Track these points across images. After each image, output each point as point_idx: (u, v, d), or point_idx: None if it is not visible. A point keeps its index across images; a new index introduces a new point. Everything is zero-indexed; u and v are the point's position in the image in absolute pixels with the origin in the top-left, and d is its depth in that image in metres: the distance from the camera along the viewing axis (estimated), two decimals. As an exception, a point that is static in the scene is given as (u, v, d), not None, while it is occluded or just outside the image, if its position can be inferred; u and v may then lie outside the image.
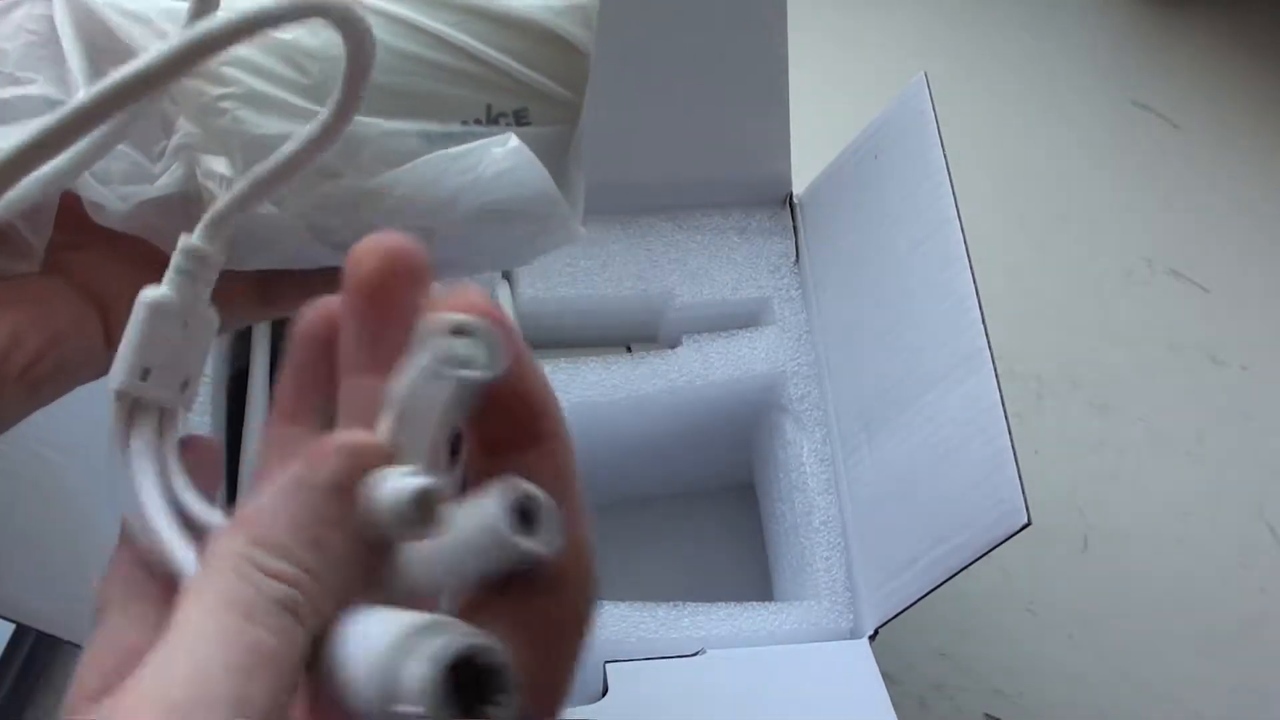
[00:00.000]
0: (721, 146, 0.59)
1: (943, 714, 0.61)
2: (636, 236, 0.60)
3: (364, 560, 0.20)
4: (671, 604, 0.52)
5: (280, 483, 0.20)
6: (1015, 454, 0.45)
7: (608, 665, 0.49)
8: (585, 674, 0.50)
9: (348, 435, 0.21)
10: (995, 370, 0.47)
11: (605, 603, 0.51)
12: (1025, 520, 0.43)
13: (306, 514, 0.20)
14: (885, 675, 0.48)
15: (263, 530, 0.20)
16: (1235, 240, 0.77)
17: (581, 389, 0.56)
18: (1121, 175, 0.79)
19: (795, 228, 0.60)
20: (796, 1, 0.57)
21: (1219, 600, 0.64)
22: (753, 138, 0.59)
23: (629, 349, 0.60)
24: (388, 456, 0.21)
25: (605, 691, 0.48)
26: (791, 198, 0.61)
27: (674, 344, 0.58)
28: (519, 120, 0.29)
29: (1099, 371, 0.71)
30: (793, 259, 0.60)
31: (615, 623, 0.51)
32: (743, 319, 0.59)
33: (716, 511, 0.64)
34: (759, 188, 0.61)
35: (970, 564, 0.45)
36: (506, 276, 0.59)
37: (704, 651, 0.50)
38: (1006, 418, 0.46)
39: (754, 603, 0.52)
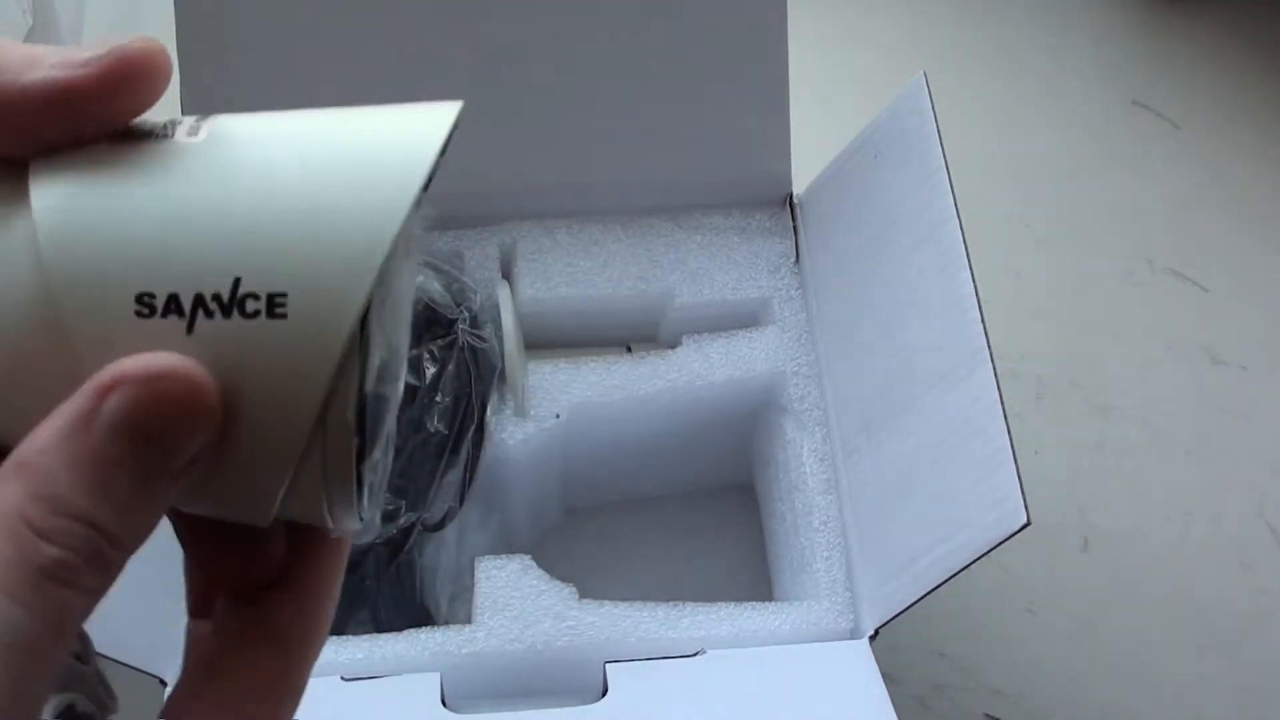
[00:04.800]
0: (721, 146, 0.59)
1: (943, 714, 0.61)
2: (636, 236, 0.60)
3: (158, 501, 0.19)
4: (671, 604, 0.52)
5: (61, 419, 0.18)
6: (1015, 454, 0.45)
7: (608, 665, 0.49)
8: (585, 674, 0.50)
9: (138, 360, 0.18)
10: (995, 370, 0.47)
11: (605, 603, 0.51)
12: (1025, 520, 0.43)
13: (90, 457, 0.18)
14: (885, 675, 0.48)
15: (40, 481, 0.17)
16: (1235, 240, 0.77)
17: (581, 389, 0.56)
18: (1121, 175, 0.79)
19: (795, 228, 0.60)
20: (796, 1, 0.57)
21: (1219, 600, 0.64)
22: (753, 138, 0.59)
23: (629, 349, 0.60)
24: (189, 385, 0.18)
25: (605, 691, 0.48)
26: (791, 198, 0.61)
27: (674, 344, 0.58)
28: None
29: (1099, 371, 0.71)
30: (793, 259, 0.60)
31: (615, 623, 0.51)
32: (743, 319, 0.59)
33: (716, 511, 0.64)
34: (759, 188, 0.61)
35: (970, 564, 0.45)
36: (506, 276, 0.59)
37: (704, 651, 0.50)
38: (1006, 418, 0.46)
39: (754, 603, 0.52)
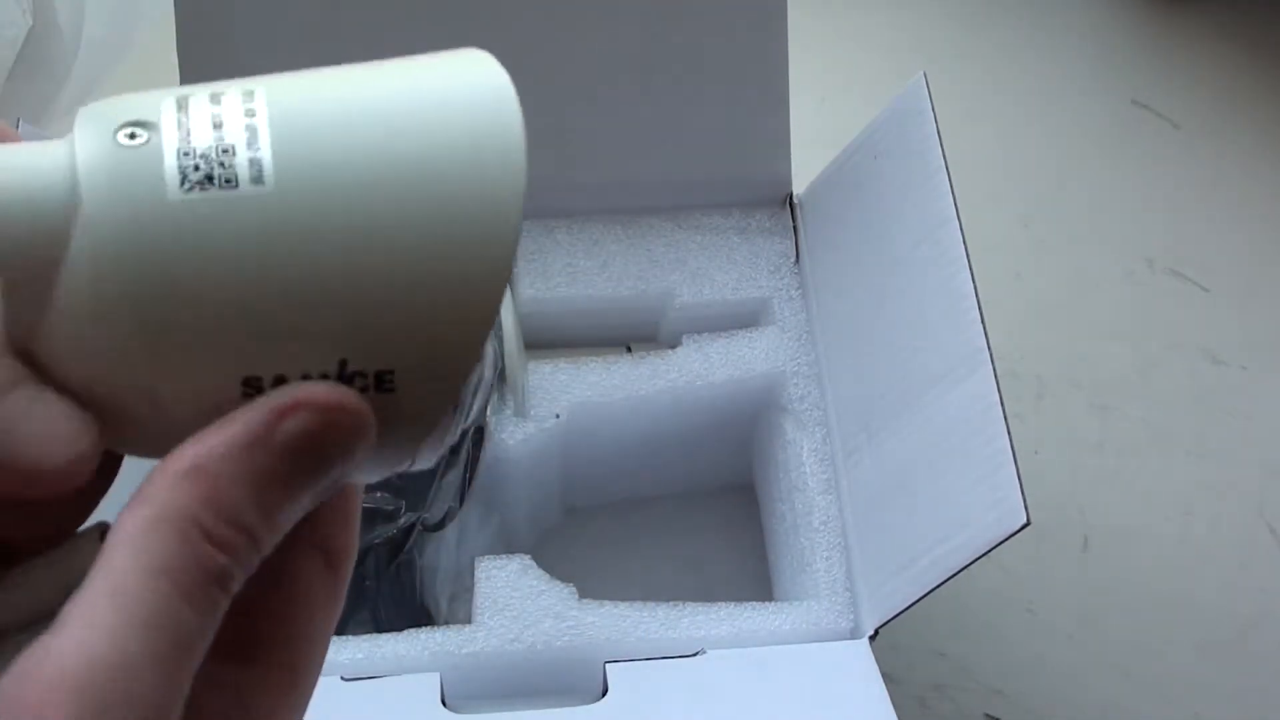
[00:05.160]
0: (721, 146, 0.59)
1: (943, 714, 0.61)
2: (636, 236, 0.60)
3: (298, 517, 0.19)
4: (671, 604, 0.52)
5: (237, 431, 0.19)
6: (1015, 454, 0.45)
7: (608, 665, 0.49)
8: (585, 674, 0.50)
9: (313, 388, 0.19)
10: (995, 370, 0.47)
11: (605, 603, 0.51)
12: (1024, 520, 0.43)
13: (265, 474, 0.19)
14: (885, 675, 0.48)
15: (218, 491, 0.18)
16: (1235, 240, 0.77)
17: (581, 389, 0.56)
18: (1121, 175, 0.79)
19: (795, 228, 0.60)
20: (796, 1, 0.57)
21: (1219, 600, 0.64)
22: (753, 138, 0.59)
23: (629, 349, 0.60)
24: (359, 419, 0.19)
25: (605, 691, 0.48)
26: (791, 198, 0.61)
27: (674, 344, 0.58)
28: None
29: (1099, 371, 0.71)
30: (793, 259, 0.60)
31: (615, 623, 0.51)
32: (743, 319, 0.59)
33: (716, 511, 0.64)
34: (759, 188, 0.61)
35: (970, 564, 0.45)
36: (506, 276, 0.59)
37: (704, 651, 0.50)
38: (1006, 418, 0.46)
39: (754, 603, 0.52)
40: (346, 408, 0.19)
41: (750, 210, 0.61)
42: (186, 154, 0.19)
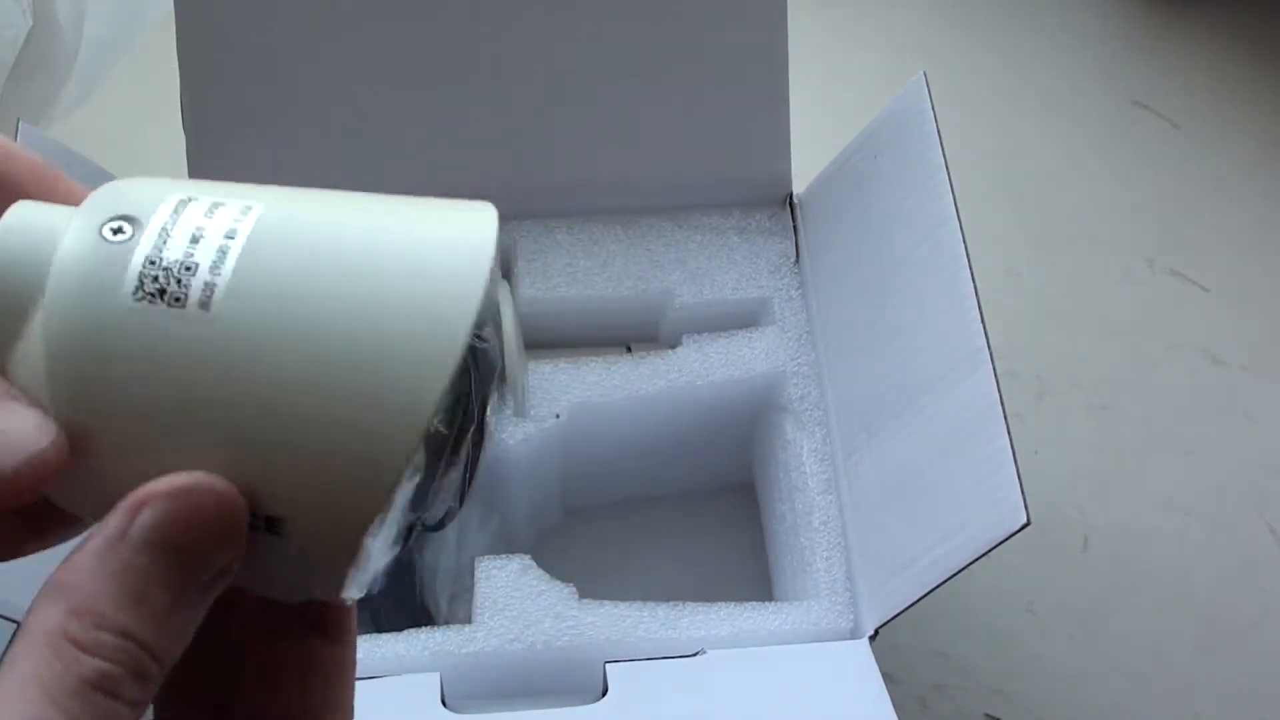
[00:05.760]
0: (721, 146, 0.59)
1: (943, 714, 0.61)
2: (636, 236, 0.60)
3: (193, 611, 0.19)
4: (671, 604, 0.52)
5: (96, 540, 0.19)
6: (1015, 454, 0.45)
7: (608, 665, 0.49)
8: (585, 674, 0.50)
9: (169, 479, 0.19)
10: (995, 370, 0.47)
11: (605, 603, 0.51)
12: (1024, 520, 0.43)
13: (125, 571, 0.18)
14: (885, 675, 0.48)
15: (79, 599, 0.18)
16: (1235, 240, 0.77)
17: (581, 389, 0.56)
18: (1121, 175, 0.79)
19: (795, 228, 0.60)
20: (796, 1, 0.57)
21: (1219, 600, 0.64)
22: (753, 138, 0.59)
23: (629, 349, 0.60)
24: (217, 499, 0.19)
25: (605, 691, 0.48)
26: (791, 198, 0.61)
27: (674, 344, 0.58)
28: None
29: (1099, 371, 0.71)
30: (793, 259, 0.60)
31: (615, 623, 0.51)
32: (743, 319, 0.59)
33: (716, 511, 0.64)
34: (759, 188, 0.61)
35: (970, 564, 0.45)
36: (507, 277, 0.59)
37: (704, 651, 0.50)
38: (1006, 418, 0.46)
39: (754, 603, 0.52)
40: (198, 488, 0.19)
41: (750, 210, 0.61)
42: (153, 262, 0.19)
